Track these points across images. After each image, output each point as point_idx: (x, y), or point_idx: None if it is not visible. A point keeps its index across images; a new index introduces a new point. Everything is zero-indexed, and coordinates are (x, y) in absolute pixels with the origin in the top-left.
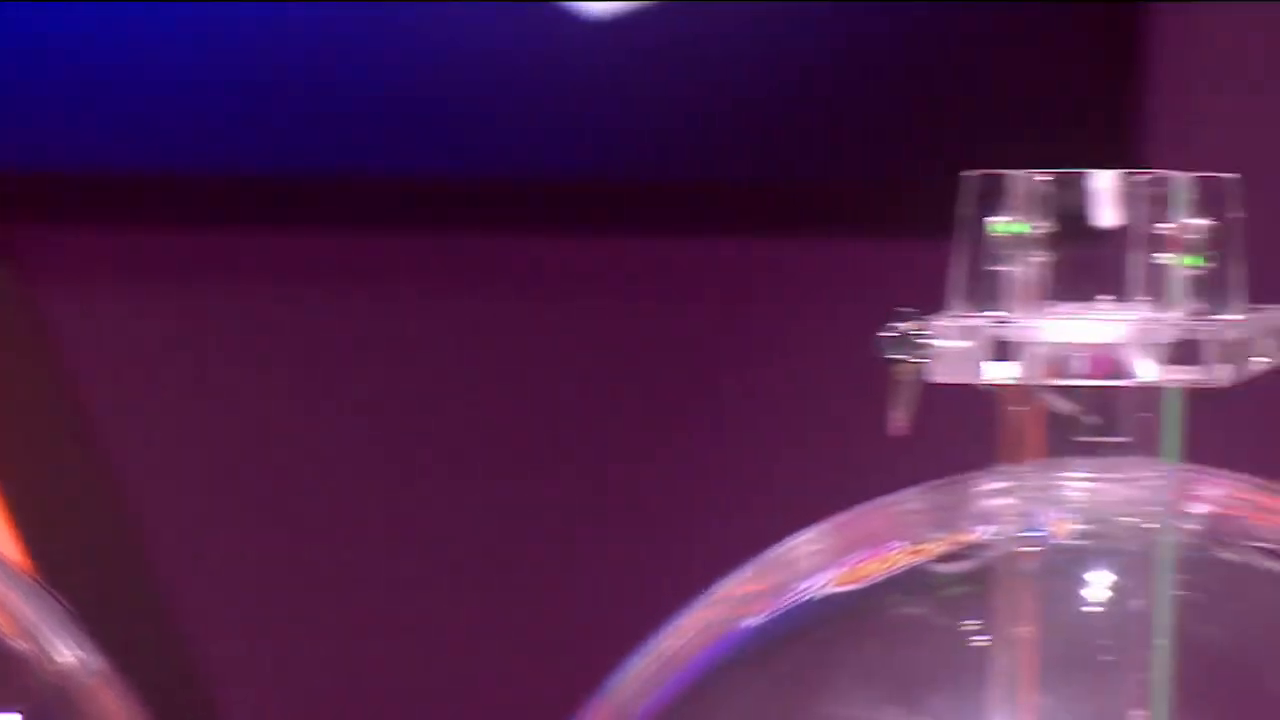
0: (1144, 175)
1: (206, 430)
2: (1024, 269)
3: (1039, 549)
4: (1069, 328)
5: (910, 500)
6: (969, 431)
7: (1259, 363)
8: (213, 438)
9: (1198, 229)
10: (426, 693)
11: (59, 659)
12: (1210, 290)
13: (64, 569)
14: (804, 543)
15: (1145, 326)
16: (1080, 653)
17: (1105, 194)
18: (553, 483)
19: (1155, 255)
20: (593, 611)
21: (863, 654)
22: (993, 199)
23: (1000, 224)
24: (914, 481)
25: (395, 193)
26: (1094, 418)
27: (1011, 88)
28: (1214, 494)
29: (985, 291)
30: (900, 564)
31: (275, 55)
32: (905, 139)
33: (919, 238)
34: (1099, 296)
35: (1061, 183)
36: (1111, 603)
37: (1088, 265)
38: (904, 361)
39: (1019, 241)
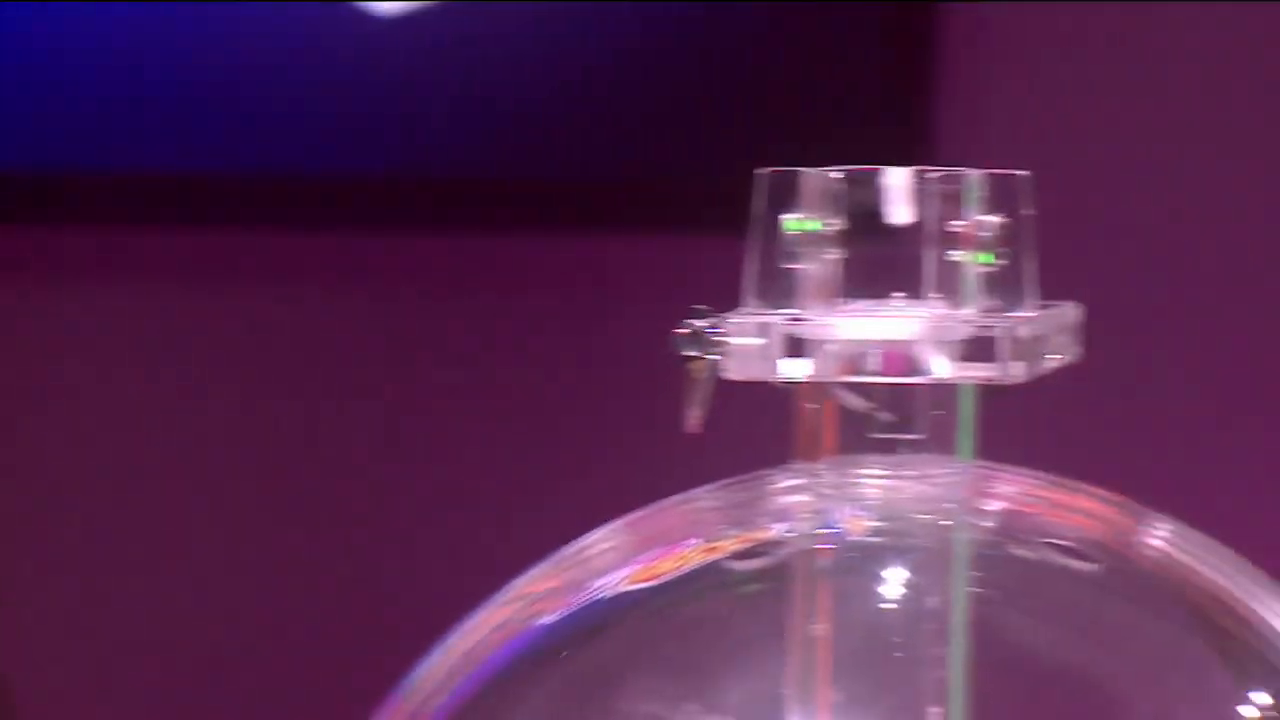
0: (936, 172)
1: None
2: (818, 266)
3: (834, 546)
4: (862, 325)
5: (705, 498)
6: (764, 429)
7: (1052, 359)
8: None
9: (990, 226)
10: (223, 691)
11: None
12: (1003, 287)
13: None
14: (599, 540)
15: (938, 323)
16: (876, 650)
17: (898, 191)
18: (350, 481)
19: (948, 252)
20: (388, 610)
21: (659, 651)
22: (786, 196)
23: (794, 221)
24: (709, 479)
25: (188, 190)
26: (888, 415)
27: (804, 85)
28: (1008, 491)
29: (779, 289)
30: (695, 561)
31: (50, 50)
32: (699, 136)
33: (715, 235)
34: (893, 293)
35: (854, 180)
36: (907, 600)
37: (881, 262)
38: (698, 359)
39: (812, 239)
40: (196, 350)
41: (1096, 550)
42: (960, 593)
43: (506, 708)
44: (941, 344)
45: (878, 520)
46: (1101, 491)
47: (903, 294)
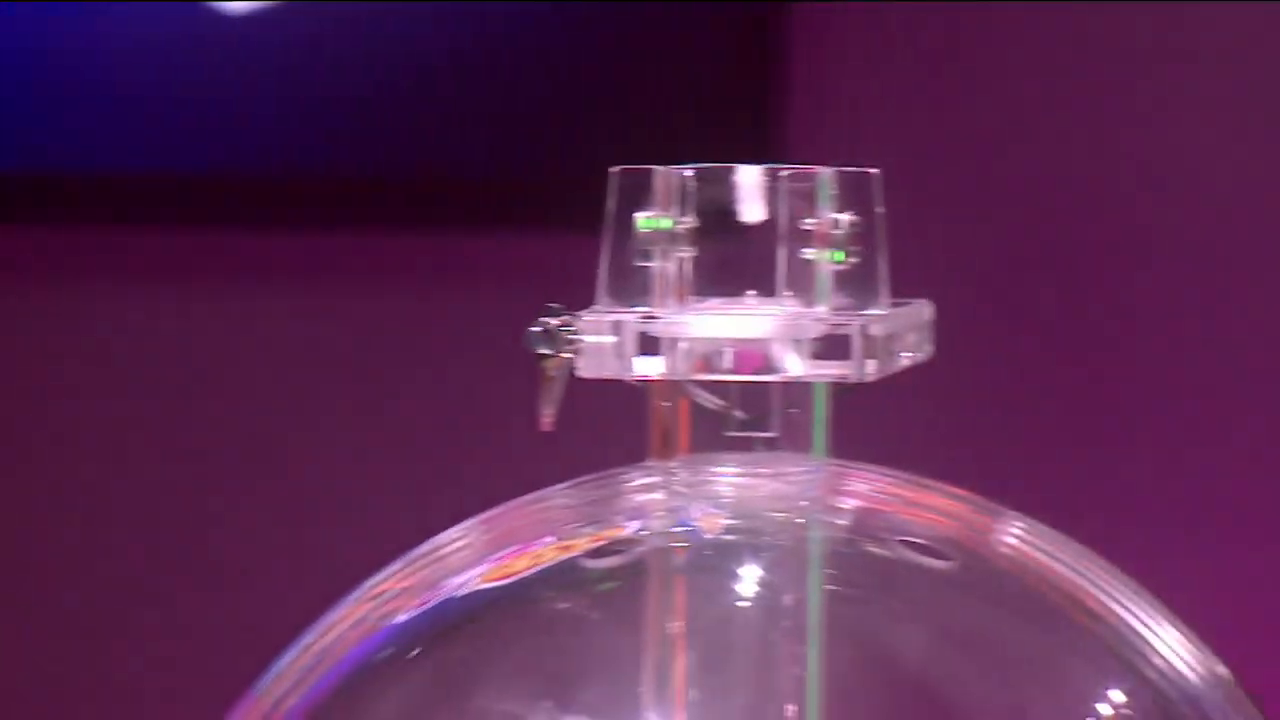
0: (787, 170)
1: None
2: (671, 264)
3: (689, 544)
4: (716, 323)
5: (560, 496)
6: (618, 427)
7: (905, 357)
8: None
9: (841, 224)
10: (76, 692)
11: None
12: (855, 285)
13: None
14: (453, 538)
15: (791, 321)
16: (732, 648)
17: (750, 189)
18: (203, 479)
19: (801, 250)
20: (241, 608)
21: (514, 649)
22: (639, 194)
23: (647, 219)
24: (563, 477)
25: (30, 187)
26: (742, 413)
27: (658, 84)
28: (863, 489)
29: (633, 287)
30: (550, 560)
31: None
32: (553, 135)
33: (569, 233)
34: (746, 292)
35: (706, 178)
36: (763, 598)
37: (734, 260)
38: (552, 357)
39: (665, 237)
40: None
41: (950, 547)
42: (816, 590)
43: (361, 707)
44: (795, 342)
45: (733, 518)
46: (954, 489)
47: (756, 292)
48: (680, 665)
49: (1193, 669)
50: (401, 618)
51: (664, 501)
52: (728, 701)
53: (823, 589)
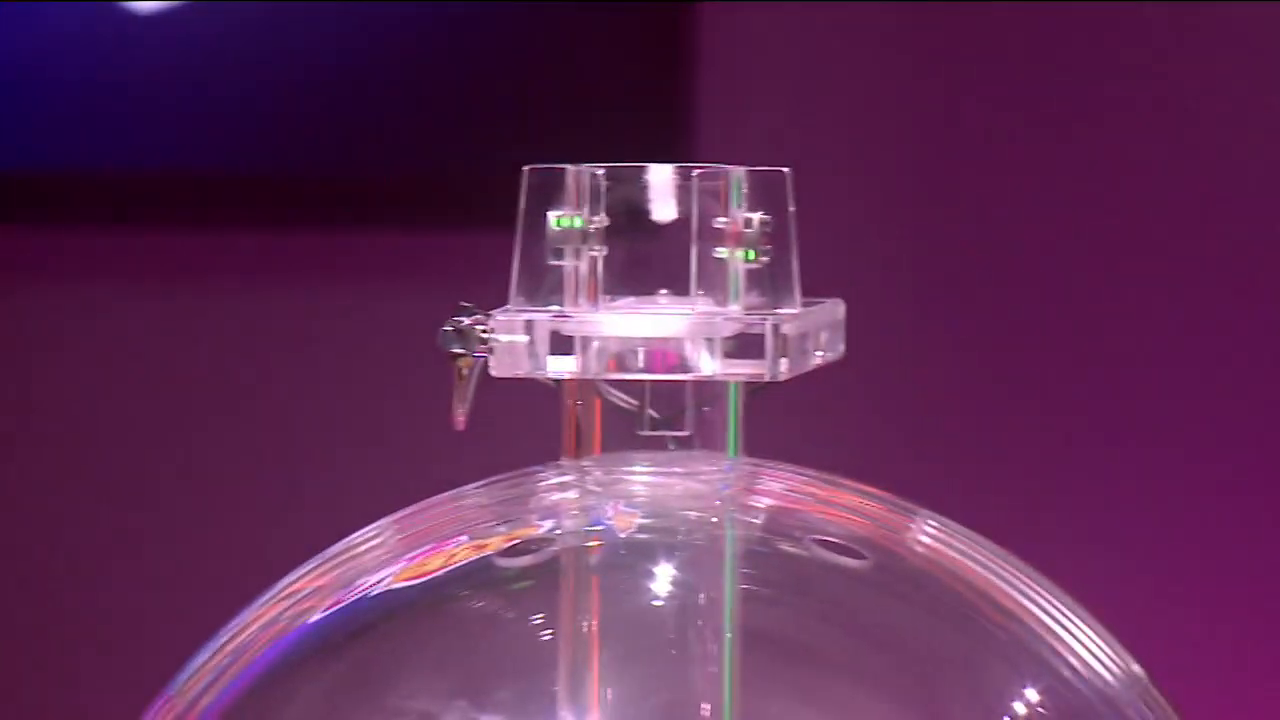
0: (699, 169)
1: None
2: (583, 263)
3: (603, 543)
4: (628, 322)
5: (473, 495)
6: (531, 426)
7: (817, 356)
8: None
9: (753, 223)
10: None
11: None
12: (767, 284)
13: None
14: (366, 538)
15: (704, 320)
16: (647, 646)
17: (661, 188)
18: (110, 476)
19: (713, 249)
20: (153, 608)
21: (428, 648)
22: (550, 193)
23: (558, 218)
24: (477, 476)
25: None
26: (655, 412)
27: (568, 83)
28: (776, 487)
29: (545, 285)
30: (464, 558)
31: None
32: (462, 134)
33: (481, 232)
34: (659, 290)
35: (618, 177)
36: (677, 596)
37: (647, 259)
38: (464, 356)
39: (577, 236)
40: None
41: (865, 546)
42: (730, 589)
43: (276, 706)
44: (707, 341)
45: (646, 517)
46: (869, 488)
47: (668, 291)
48: (595, 664)
49: (1107, 667)
50: (315, 617)
51: (578, 500)
52: (643, 700)
53: (737, 588)
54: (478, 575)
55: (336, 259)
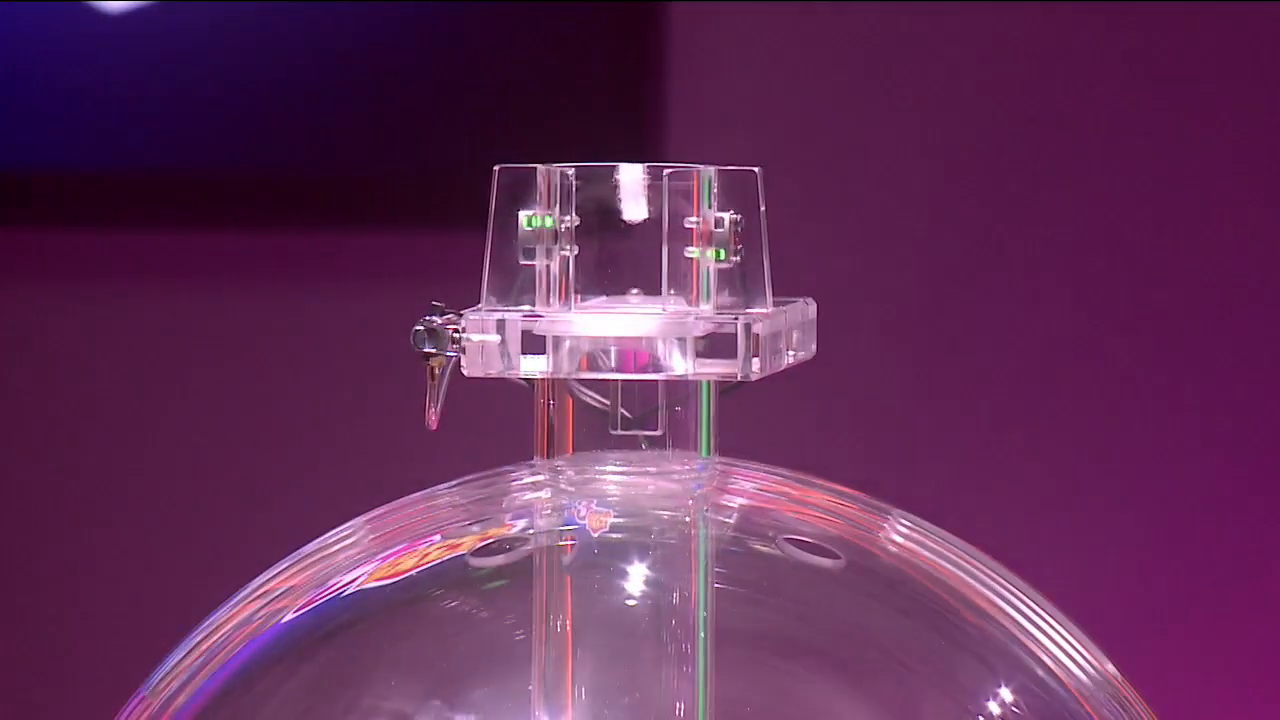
0: (669, 169)
1: None
2: (554, 263)
3: (576, 542)
4: (599, 322)
5: (446, 494)
6: (504, 425)
7: (789, 356)
8: None
9: (723, 222)
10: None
11: None
12: (738, 283)
13: None
14: (340, 537)
15: (675, 320)
16: (621, 645)
17: (632, 187)
18: (87, 474)
19: (684, 249)
20: (128, 607)
21: (402, 648)
22: (521, 193)
23: (529, 218)
24: (449, 475)
25: None
26: (627, 411)
27: (538, 83)
28: (749, 487)
29: (517, 285)
30: (437, 558)
31: None
32: (432, 133)
33: (452, 231)
34: (630, 290)
35: (588, 176)
36: (651, 596)
37: (617, 259)
38: (436, 356)
39: (548, 235)
40: None
41: (837, 545)
42: (704, 589)
43: (250, 706)
44: (679, 341)
45: (619, 516)
46: (841, 487)
47: (639, 291)
48: (568, 663)
49: (1081, 667)
50: (289, 617)
51: (550, 500)
52: (616, 699)
53: (710, 587)
54: (451, 575)
55: (306, 259)
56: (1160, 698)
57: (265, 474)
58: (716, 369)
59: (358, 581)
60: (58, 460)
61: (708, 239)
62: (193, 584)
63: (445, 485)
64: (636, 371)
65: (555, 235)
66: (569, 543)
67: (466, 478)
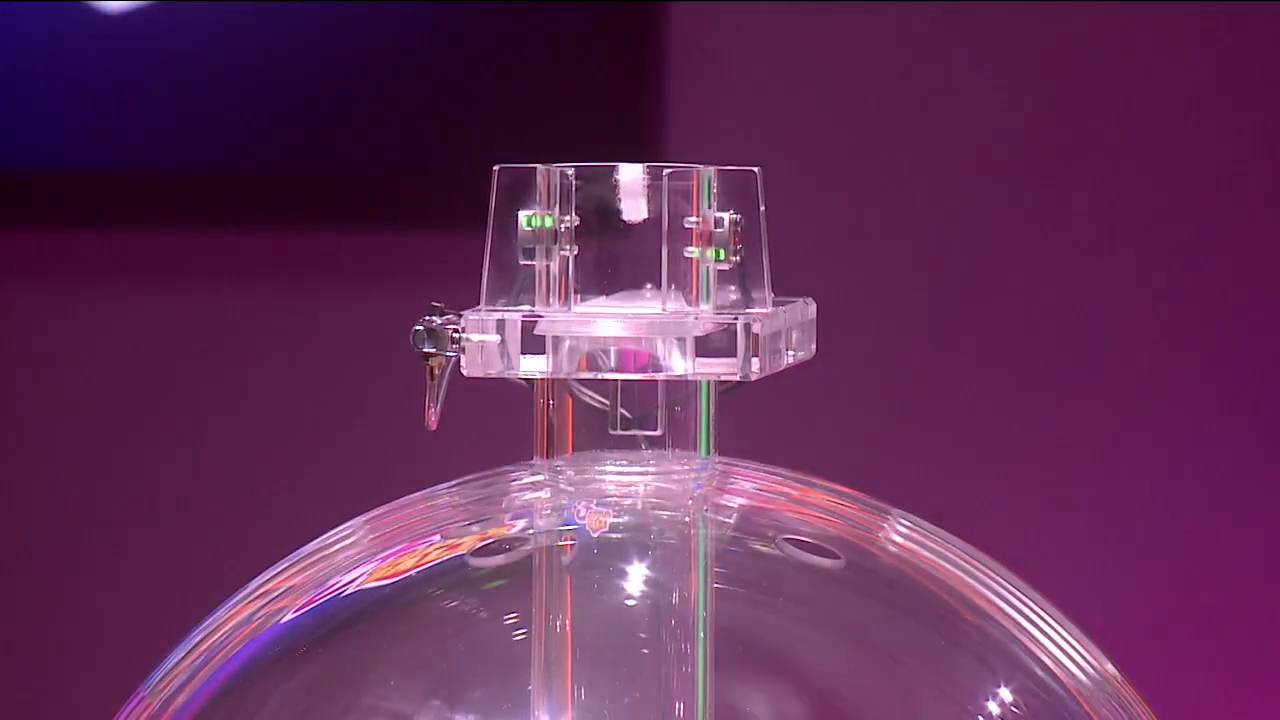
0: (669, 169)
1: None
2: (553, 263)
3: (576, 542)
4: (599, 322)
5: (446, 494)
6: (503, 425)
7: (789, 355)
8: None
9: (723, 222)
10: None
11: None
12: (738, 283)
13: None
14: (340, 537)
15: (675, 320)
16: (620, 646)
17: (632, 187)
18: (86, 474)
19: (684, 249)
20: (129, 607)
21: (402, 647)
22: (521, 193)
23: (529, 217)
24: (449, 475)
25: None
26: (627, 411)
27: (537, 82)
28: (748, 487)
29: (516, 285)
30: (437, 558)
31: None
32: (432, 133)
33: (452, 232)
34: (629, 290)
35: (588, 176)
36: (650, 595)
37: (617, 259)
38: (436, 356)
39: (547, 235)
40: None
41: (837, 545)
42: (703, 588)
43: (249, 706)
44: (679, 340)
45: (619, 516)
46: (841, 487)
47: (639, 290)
48: (568, 663)
49: (1080, 666)
50: (289, 617)
51: (550, 500)
52: (616, 699)
53: (710, 587)
54: (450, 575)
55: (306, 259)
56: (1160, 698)
57: (265, 474)
58: (716, 369)
59: (357, 581)
60: (57, 460)
61: (707, 239)
62: (193, 584)
63: (445, 485)
64: (636, 371)
65: (555, 235)
66: (569, 543)
67: (466, 478)
